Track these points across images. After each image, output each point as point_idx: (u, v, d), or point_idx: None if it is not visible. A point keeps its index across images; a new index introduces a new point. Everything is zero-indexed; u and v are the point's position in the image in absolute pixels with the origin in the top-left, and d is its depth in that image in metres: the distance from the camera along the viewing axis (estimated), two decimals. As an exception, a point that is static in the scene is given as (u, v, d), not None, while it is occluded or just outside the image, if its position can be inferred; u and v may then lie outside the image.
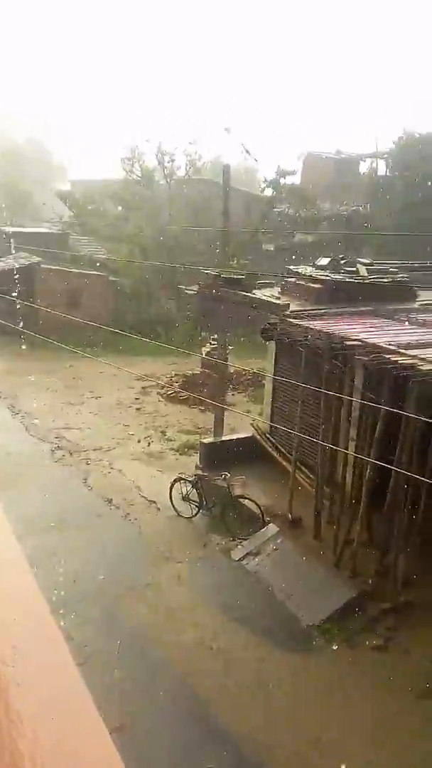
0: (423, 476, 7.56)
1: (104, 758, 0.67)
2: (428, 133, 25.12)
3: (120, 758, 0.65)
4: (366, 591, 8.51)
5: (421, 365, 7.96)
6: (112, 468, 12.89)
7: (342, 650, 7.74)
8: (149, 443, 14.30)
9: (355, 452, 8.90)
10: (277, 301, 11.50)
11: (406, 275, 13.51)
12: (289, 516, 10.15)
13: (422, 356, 8.25)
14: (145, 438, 14.56)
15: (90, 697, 0.74)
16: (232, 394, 17.44)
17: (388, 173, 27.30)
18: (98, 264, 25.33)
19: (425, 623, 7.95)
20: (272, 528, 10.09)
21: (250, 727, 6.55)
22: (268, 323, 11.46)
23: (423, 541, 8.88)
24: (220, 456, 11.99)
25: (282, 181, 26.35)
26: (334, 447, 9.47)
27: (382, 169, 29.19)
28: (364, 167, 31.69)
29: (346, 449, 9.20)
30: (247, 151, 24.15)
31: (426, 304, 12.23)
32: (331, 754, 6.25)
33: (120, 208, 27.57)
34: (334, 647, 7.79)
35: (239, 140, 32.16)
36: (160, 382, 17.94)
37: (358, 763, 6.14)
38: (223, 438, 12.76)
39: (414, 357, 8.24)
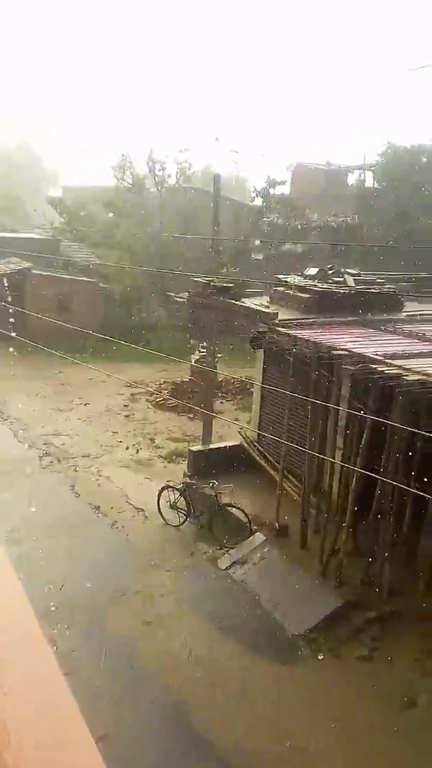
0: (408, 486, 7.62)
1: (88, 763, 0.69)
2: (413, 146, 25.42)
3: (104, 766, 0.67)
4: (352, 600, 8.53)
5: (407, 375, 8.04)
6: (100, 475, 12.85)
7: (327, 660, 7.75)
8: (138, 450, 14.27)
9: (341, 461, 8.95)
10: (266, 310, 11.56)
11: (392, 286, 13.64)
12: (276, 525, 10.17)
13: (408, 366, 8.34)
14: (134, 445, 14.53)
15: (76, 706, 0.75)
16: (221, 402, 17.46)
17: (375, 185, 27.55)
18: (89, 270, 25.31)
19: (410, 633, 7.99)
20: (259, 537, 10.10)
21: (236, 737, 6.54)
22: (257, 332, 11.52)
23: (408, 550, 8.94)
24: (208, 464, 11.99)
25: (271, 191, 26.49)
26: (321, 456, 9.52)
27: (369, 180, 29.48)
28: (352, 179, 31.98)
29: (333, 458, 9.24)
30: (236, 152, 24.27)
31: (412, 315, 12.35)
32: (316, 764, 6.25)
33: (111, 214, 27.56)
34: (320, 657, 7.80)
35: (229, 145, 32.30)
36: (149, 389, 17.92)
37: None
38: (212, 446, 12.77)
39: (400, 367, 8.32)
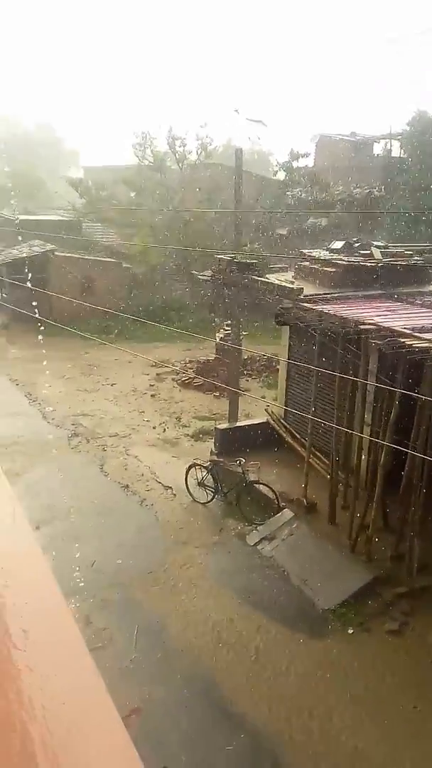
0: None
1: (116, 743, 0.67)
2: None
3: (132, 744, 0.65)
4: (381, 575, 8.52)
5: (437, 349, 7.86)
6: (128, 454, 12.98)
7: (357, 634, 7.78)
8: (164, 429, 14.36)
9: (369, 437, 8.86)
10: (291, 286, 11.41)
11: (420, 258, 13.32)
12: (304, 501, 10.16)
13: (438, 340, 8.15)
14: (161, 424, 14.62)
15: (102, 682, 0.74)
16: (247, 380, 17.42)
17: (402, 154, 26.81)
18: (112, 250, 25.32)
19: (441, 607, 7.95)
20: (287, 513, 10.12)
21: (266, 709, 6.62)
22: (282, 308, 11.38)
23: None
24: (235, 442, 12.01)
25: (295, 164, 26.04)
26: (349, 431, 9.43)
27: (396, 150, 28.69)
28: (378, 149, 31.17)
29: (361, 434, 9.16)
30: (257, 121, 23.84)
31: (442, 287, 12.06)
32: (345, 737, 6.30)
33: (133, 194, 27.45)
34: (350, 631, 7.82)
35: (249, 117, 31.62)
36: (174, 368, 17.97)
37: (373, 748, 6.18)
38: (238, 424, 12.77)
39: (429, 341, 8.14)
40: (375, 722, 6.47)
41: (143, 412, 15.44)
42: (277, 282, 11.71)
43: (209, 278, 14.65)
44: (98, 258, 24.33)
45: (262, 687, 6.95)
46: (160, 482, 11.71)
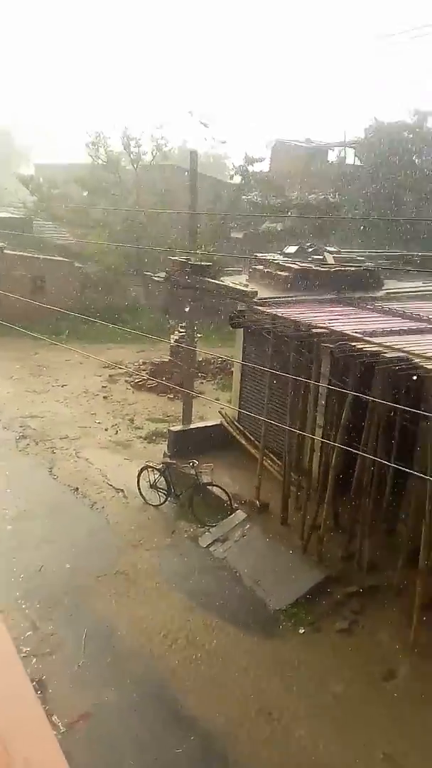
0: (388, 462, 7.66)
1: (45, 751, 0.63)
2: (397, 122, 25.09)
3: (61, 752, 0.61)
4: (332, 575, 8.62)
5: (386, 353, 8.04)
6: (78, 457, 12.74)
7: (308, 634, 7.84)
8: (117, 431, 14.17)
9: (321, 438, 8.97)
10: (245, 289, 11.46)
11: (372, 264, 13.62)
12: (257, 502, 10.20)
13: (387, 344, 8.34)
14: (113, 426, 14.42)
15: (32, 690, 0.69)
16: (201, 382, 17.40)
17: (357, 162, 27.38)
18: (64, 249, 24.88)
19: (389, 606, 8.10)
20: (240, 514, 10.13)
21: (218, 711, 6.58)
22: (236, 311, 11.43)
23: (388, 526, 9.04)
24: (189, 444, 11.95)
25: (250, 168, 26.20)
26: (301, 433, 9.53)
27: (350, 158, 29.28)
28: (332, 156, 31.73)
29: (313, 436, 9.26)
30: (205, 125, 24.07)
31: (392, 293, 12.36)
32: (298, 735, 6.32)
33: (85, 193, 27.05)
34: (301, 631, 7.88)
35: (202, 120, 31.76)
36: (128, 369, 17.78)
37: (325, 745, 6.23)
38: (192, 426, 12.72)
39: (379, 344, 8.32)
40: (325, 720, 6.53)
41: (95, 413, 15.19)
42: (231, 285, 11.74)
43: (163, 280, 14.56)
44: (50, 257, 23.86)
45: (213, 689, 6.91)
46: (111, 485, 11.54)
